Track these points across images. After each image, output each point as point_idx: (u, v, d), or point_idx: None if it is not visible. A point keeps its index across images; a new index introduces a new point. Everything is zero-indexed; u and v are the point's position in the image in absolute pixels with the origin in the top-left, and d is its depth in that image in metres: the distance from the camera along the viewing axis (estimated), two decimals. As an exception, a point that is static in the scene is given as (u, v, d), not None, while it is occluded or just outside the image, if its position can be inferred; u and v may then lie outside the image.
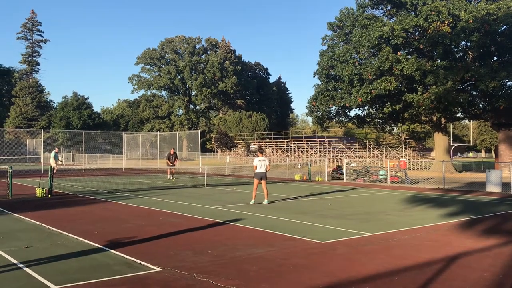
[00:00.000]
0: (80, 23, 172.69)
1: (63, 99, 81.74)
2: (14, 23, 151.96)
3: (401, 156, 43.46)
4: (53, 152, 25.36)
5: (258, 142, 62.79)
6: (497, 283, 5.67)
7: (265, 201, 14.03)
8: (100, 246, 7.66)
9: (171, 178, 25.83)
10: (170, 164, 25.88)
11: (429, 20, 30.88)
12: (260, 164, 14.24)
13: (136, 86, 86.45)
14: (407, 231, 9.30)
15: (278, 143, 58.98)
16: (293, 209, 12.83)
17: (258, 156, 14.69)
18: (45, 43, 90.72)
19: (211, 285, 5.48)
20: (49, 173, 16.41)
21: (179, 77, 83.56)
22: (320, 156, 46.90)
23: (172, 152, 26.41)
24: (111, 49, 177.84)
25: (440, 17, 30.67)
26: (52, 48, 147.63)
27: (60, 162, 28.04)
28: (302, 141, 57.00)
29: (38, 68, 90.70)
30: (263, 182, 14.15)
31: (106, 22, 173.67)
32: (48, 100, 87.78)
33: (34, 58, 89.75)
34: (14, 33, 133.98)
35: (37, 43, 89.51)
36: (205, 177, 22.91)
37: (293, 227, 9.72)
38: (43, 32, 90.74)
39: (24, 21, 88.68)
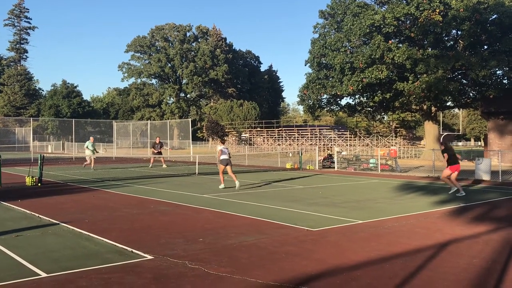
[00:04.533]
0: (68, 10, 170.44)
1: (52, 87, 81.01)
2: (1, 9, 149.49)
3: (392, 145, 43.73)
4: (87, 142, 23.80)
5: (249, 131, 62.75)
6: (486, 269, 5.74)
7: (237, 183, 14.61)
8: (91, 234, 7.62)
9: (163, 165, 25.88)
10: (155, 152, 25.88)
11: (420, 9, 30.87)
12: (225, 150, 15.11)
13: (126, 74, 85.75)
14: (398, 219, 9.38)
15: (269, 131, 59.02)
16: (285, 197, 12.86)
17: (221, 144, 15.65)
18: (33, 30, 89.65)
19: (203, 272, 5.48)
20: (39, 161, 16.27)
21: (169, 65, 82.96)
22: (311, 144, 47.02)
23: (157, 141, 26.41)
24: (100, 37, 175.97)
25: (432, 5, 30.67)
26: (41, 35, 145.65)
27: (100, 152, 26.67)
28: (293, 129, 57.08)
29: (26, 55, 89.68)
30: (228, 167, 14.89)
31: (95, 9, 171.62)
32: (37, 88, 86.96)
33: (22, 46, 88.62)
34: (1, 20, 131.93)
35: (24, 30, 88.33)
36: (196, 166, 22.88)
37: (285, 215, 9.74)
38: (31, 19, 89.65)
39: (11, 8, 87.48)
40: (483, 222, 9.03)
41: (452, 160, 13.60)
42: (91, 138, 24.26)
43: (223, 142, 16.31)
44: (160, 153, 26.12)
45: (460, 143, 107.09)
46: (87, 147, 23.49)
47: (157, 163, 27.16)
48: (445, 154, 13.75)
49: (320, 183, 17.15)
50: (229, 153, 15.16)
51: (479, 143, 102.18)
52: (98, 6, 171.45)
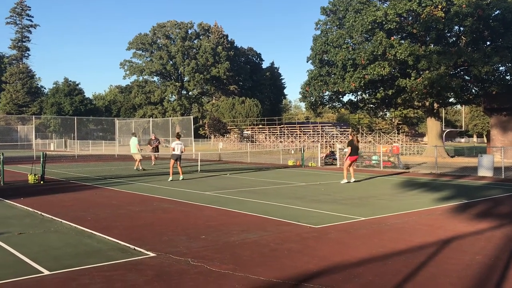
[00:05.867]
0: (69, 8, 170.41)
1: (54, 85, 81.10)
2: (3, 7, 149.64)
3: (394, 141, 43.66)
4: (134, 139, 22.47)
5: (251, 128, 62.71)
6: (489, 266, 5.73)
7: (181, 177, 16.70)
8: (93, 232, 7.63)
9: (153, 163, 25.57)
10: (151, 148, 25.48)
11: (422, 5, 30.74)
12: (177, 147, 16.91)
13: (128, 72, 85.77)
14: (400, 216, 9.36)
15: (271, 129, 58.97)
16: (287, 194, 12.86)
17: (176, 140, 17.28)
18: (34, 28, 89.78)
19: (205, 269, 5.48)
20: (41, 159, 16.29)
21: (171, 62, 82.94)
22: (313, 141, 46.98)
23: (153, 137, 26.17)
24: (102, 35, 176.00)
25: (434, 1, 30.52)
26: (42, 33, 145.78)
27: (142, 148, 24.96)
28: (295, 127, 57.02)
29: (28, 53, 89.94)
30: (178, 162, 16.85)
31: (97, 6, 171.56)
32: (39, 86, 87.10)
33: (24, 43, 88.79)
34: (3, 18, 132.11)
35: (26, 28, 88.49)
36: (199, 163, 22.91)
37: (287, 212, 9.74)
38: (32, 17, 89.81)
39: (13, 6, 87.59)
40: (486, 219, 9.01)
41: (352, 152, 16.16)
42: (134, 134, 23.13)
43: (178, 137, 17.55)
44: (156, 148, 25.75)
45: (462, 140, 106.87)
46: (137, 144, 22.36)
47: (149, 160, 26.81)
48: (349, 147, 16.25)
49: (322, 180, 17.13)
50: (181, 150, 16.93)
51: (476, 139, 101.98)
52: (99, 4, 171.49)
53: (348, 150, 16.35)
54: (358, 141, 17.13)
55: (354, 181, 15.96)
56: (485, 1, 29.92)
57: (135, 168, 21.62)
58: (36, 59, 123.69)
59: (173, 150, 16.99)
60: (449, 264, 5.80)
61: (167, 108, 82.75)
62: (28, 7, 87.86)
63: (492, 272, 5.51)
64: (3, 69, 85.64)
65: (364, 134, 48.98)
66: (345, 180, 16.00)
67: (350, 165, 16.32)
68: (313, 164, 25.63)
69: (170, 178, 16.62)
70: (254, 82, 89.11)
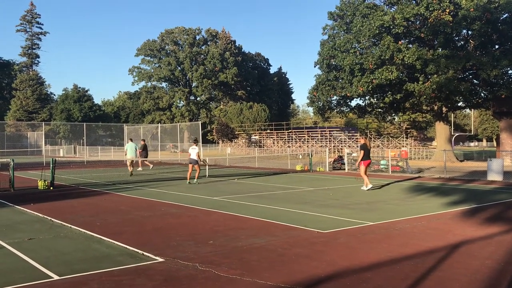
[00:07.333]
0: (79, 15, 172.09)
1: (64, 92, 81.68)
2: (14, 15, 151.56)
3: (403, 146, 43.44)
4: (132, 144, 22.74)
5: (259, 133, 62.75)
6: (499, 271, 5.69)
7: (195, 181, 17.43)
8: (102, 237, 7.68)
9: (150, 167, 25.39)
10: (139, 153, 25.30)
11: (430, 9, 30.68)
12: (192, 151, 17.63)
13: (136, 78, 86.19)
14: (409, 220, 9.32)
15: (279, 133, 58.97)
16: (295, 199, 12.85)
17: (192, 145, 17.94)
18: (44, 35, 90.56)
19: (213, 274, 5.50)
20: (51, 165, 16.42)
21: (179, 68, 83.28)
22: (321, 146, 46.89)
23: (142, 143, 26.41)
24: (111, 41, 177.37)
25: (441, 5, 30.47)
26: (52, 40, 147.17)
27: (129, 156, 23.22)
28: (303, 131, 56.97)
29: (38, 60, 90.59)
30: (196, 166, 17.70)
31: (106, 13, 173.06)
32: (48, 92, 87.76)
33: (34, 51, 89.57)
34: (13, 26, 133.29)
35: (36, 36, 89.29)
36: (207, 168, 22.94)
37: (295, 217, 9.73)
38: (42, 25, 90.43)
39: (23, 14, 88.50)
40: (496, 223, 8.94)
41: (365, 156, 15.50)
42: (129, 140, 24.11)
43: (195, 143, 18.29)
44: (142, 154, 25.40)
45: (472, 144, 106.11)
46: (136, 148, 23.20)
47: (145, 166, 26.81)
48: (362, 151, 15.56)
49: (331, 185, 17.10)
50: (196, 154, 17.52)
51: (485, 143, 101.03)
52: (108, 11, 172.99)
53: (361, 154, 15.65)
54: (370, 145, 16.69)
55: (367, 189, 15.22)
56: (493, 4, 29.81)
57: (140, 169, 22.03)
58: (46, 66, 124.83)
59: (189, 155, 17.77)
60: (458, 268, 5.76)
61: (176, 113, 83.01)
62: (38, 15, 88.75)
63: (502, 276, 5.47)
64: (13, 76, 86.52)
65: (373, 139, 48.80)
66: (364, 187, 15.08)
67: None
68: (321, 169, 25.59)
69: (188, 181, 17.47)
70: (262, 87, 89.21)
